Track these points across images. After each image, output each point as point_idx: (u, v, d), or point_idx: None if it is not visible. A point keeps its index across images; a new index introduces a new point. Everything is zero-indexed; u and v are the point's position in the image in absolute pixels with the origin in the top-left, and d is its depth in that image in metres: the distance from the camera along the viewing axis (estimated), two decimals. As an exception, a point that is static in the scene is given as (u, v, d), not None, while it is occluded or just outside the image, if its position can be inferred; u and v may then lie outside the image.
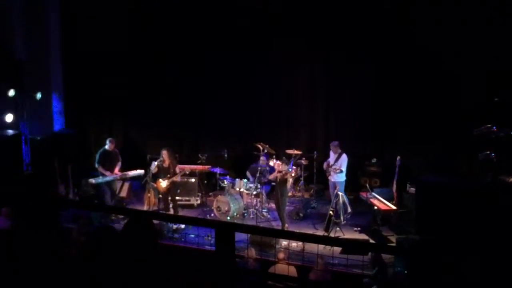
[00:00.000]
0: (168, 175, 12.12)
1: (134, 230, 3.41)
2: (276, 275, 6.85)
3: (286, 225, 11.38)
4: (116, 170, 12.38)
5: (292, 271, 8.10)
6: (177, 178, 12.19)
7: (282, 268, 7.91)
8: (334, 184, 12.04)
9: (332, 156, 12.22)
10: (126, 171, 12.52)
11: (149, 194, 12.54)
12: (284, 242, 10.26)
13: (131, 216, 3.76)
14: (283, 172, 11.24)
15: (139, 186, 13.49)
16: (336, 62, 13.67)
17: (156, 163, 12.08)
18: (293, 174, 11.98)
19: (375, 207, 11.36)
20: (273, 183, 11.96)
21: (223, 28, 14.07)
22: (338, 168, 11.88)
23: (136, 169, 12.75)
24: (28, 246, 3.79)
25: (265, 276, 6.26)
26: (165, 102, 14.87)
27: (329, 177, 12.24)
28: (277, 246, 10.12)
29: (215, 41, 14.19)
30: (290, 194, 12.66)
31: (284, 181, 11.25)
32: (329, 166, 12.13)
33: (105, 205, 11.27)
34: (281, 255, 8.57)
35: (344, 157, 12.04)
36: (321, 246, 8.67)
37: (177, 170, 12.21)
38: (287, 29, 13.69)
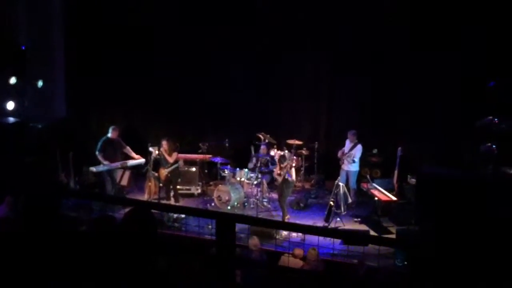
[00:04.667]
0: (168, 165, 12.19)
1: (134, 221, 3.41)
2: (280, 267, 6.88)
3: (288, 216, 11.41)
4: (133, 154, 12.43)
5: (299, 263, 8.16)
6: (173, 167, 12.25)
7: (290, 260, 7.96)
8: (347, 173, 12.12)
9: (348, 145, 12.28)
10: (126, 160, 12.51)
11: (150, 183, 12.57)
12: (285, 233, 10.27)
13: (131, 206, 3.76)
14: (285, 168, 11.22)
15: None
16: (339, 53, 13.63)
17: (154, 151, 12.15)
18: (293, 164, 11.99)
19: (376, 198, 11.38)
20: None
21: (226, 17, 14.02)
22: (352, 158, 11.96)
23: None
24: (31, 236, 3.79)
25: (268, 269, 6.29)
26: (166, 91, 14.85)
27: (342, 165, 12.29)
28: (277, 237, 10.13)
29: (220, 36, 14.16)
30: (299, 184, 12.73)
31: (286, 177, 11.25)
32: (343, 154, 12.18)
33: (104, 195, 11.27)
34: (300, 252, 8.51)
35: (359, 147, 12.11)
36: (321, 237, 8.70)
37: (171, 160, 12.25)
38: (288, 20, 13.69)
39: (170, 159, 12.27)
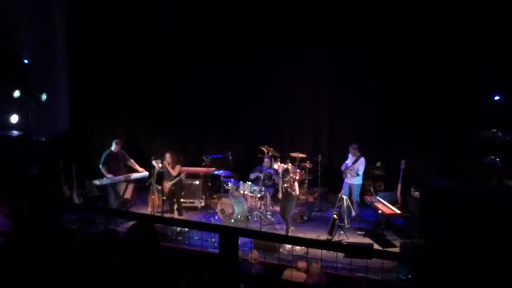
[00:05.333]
0: (172, 177, 12.20)
1: (137, 235, 3.41)
2: (284, 281, 6.83)
3: (292, 228, 11.38)
4: (137, 167, 12.47)
5: (303, 277, 8.10)
6: (176, 180, 12.25)
7: (293, 274, 7.92)
8: (350, 186, 12.13)
9: (351, 158, 12.31)
10: (130, 173, 12.51)
11: (153, 196, 12.55)
12: (288, 246, 10.23)
13: (135, 220, 3.76)
14: (288, 182, 11.20)
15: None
16: (341, 66, 13.66)
17: (157, 164, 12.15)
18: (297, 177, 11.96)
19: (379, 211, 11.35)
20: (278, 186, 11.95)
21: (227, 29, 14.10)
22: (355, 171, 11.97)
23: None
24: (29, 248, 3.79)
25: (270, 282, 6.25)
26: (169, 104, 14.90)
27: (345, 179, 12.29)
28: (281, 250, 10.10)
29: (223, 48, 14.23)
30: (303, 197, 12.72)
31: (289, 190, 11.22)
32: (347, 168, 12.19)
33: (107, 209, 11.28)
34: (303, 265, 8.46)
35: (362, 160, 12.13)
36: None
37: (174, 173, 12.25)
38: (291, 35, 13.73)
39: (173, 172, 12.28)
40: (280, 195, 11.45)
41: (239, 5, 14.04)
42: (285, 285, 5.49)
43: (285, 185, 11.12)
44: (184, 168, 12.79)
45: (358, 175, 12.11)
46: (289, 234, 10.95)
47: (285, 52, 13.83)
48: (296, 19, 13.67)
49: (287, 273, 8.10)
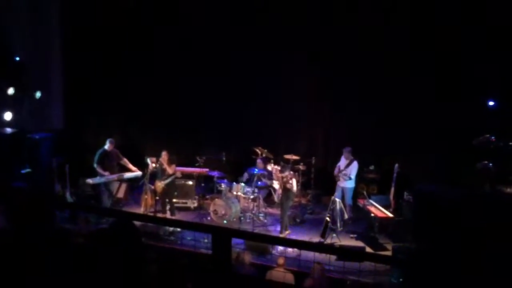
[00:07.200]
0: (165, 177, 12.16)
1: (117, 232, 3.41)
2: (272, 283, 6.82)
3: (288, 231, 11.39)
4: (130, 166, 12.44)
5: (289, 278, 8.06)
6: (169, 179, 12.22)
7: (278, 275, 7.88)
8: (342, 189, 12.12)
9: (343, 162, 12.29)
10: (123, 172, 12.49)
11: (146, 196, 12.52)
12: (280, 248, 10.23)
13: (119, 218, 3.76)
14: (286, 177, 11.22)
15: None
16: (336, 69, 13.66)
17: (151, 163, 12.13)
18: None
19: (372, 214, 11.36)
20: (271, 188, 11.96)
21: (225, 29, 14.11)
22: (348, 175, 11.96)
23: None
24: (22, 247, 3.78)
25: (262, 285, 6.24)
26: (164, 104, 14.89)
27: (338, 182, 12.28)
28: (273, 252, 10.10)
29: (216, 43, 14.23)
30: (296, 199, 12.73)
31: (287, 186, 11.25)
32: (339, 171, 12.18)
33: (99, 208, 11.25)
34: (281, 261, 8.53)
35: (355, 164, 12.12)
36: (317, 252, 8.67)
37: (170, 171, 12.22)
38: (288, 34, 13.73)
39: (170, 170, 12.21)
40: (279, 192, 11.44)
41: (238, 5, 14.04)
42: (273, 286, 5.49)
43: (284, 179, 11.14)
44: (178, 168, 12.77)
45: (350, 179, 12.10)
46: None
47: (280, 53, 13.84)
48: (294, 20, 13.66)
49: (271, 274, 8.09)
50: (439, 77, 12.42)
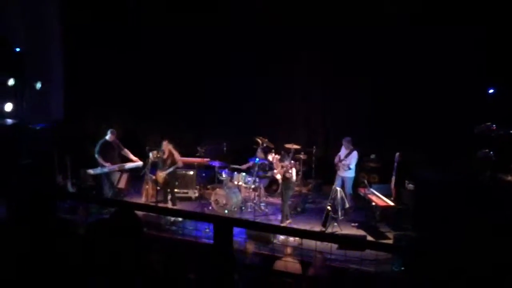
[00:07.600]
0: (166, 167, 12.14)
1: (118, 221, 3.41)
2: (279, 272, 6.84)
3: (289, 220, 11.40)
4: (132, 156, 12.46)
5: (297, 267, 8.09)
6: (170, 169, 12.20)
7: (287, 265, 7.91)
8: (342, 178, 12.10)
9: (343, 151, 12.26)
10: (124, 162, 12.50)
11: (147, 186, 12.54)
12: (282, 237, 10.25)
13: (120, 207, 3.75)
14: (286, 167, 11.23)
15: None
16: (336, 56, 13.62)
17: (153, 153, 12.13)
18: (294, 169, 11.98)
19: (373, 203, 11.37)
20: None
21: (223, 26, 14.05)
22: (347, 165, 11.94)
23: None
24: (23, 238, 3.77)
25: (267, 272, 6.26)
26: (165, 94, 14.86)
27: (338, 171, 12.27)
28: (274, 241, 10.11)
29: (216, 38, 14.21)
30: (297, 189, 12.74)
31: (287, 175, 11.26)
32: (339, 161, 12.17)
33: (99, 198, 11.28)
34: (288, 250, 8.52)
35: (355, 154, 12.08)
36: (318, 241, 8.68)
37: (177, 157, 12.18)
38: (287, 24, 13.69)
39: (176, 156, 12.15)
40: (279, 181, 11.47)
41: (237, 5, 14.00)
42: (279, 276, 5.50)
43: (284, 169, 11.16)
44: (181, 159, 12.77)
45: (350, 168, 12.07)
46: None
47: (281, 43, 13.80)
48: (293, 14, 13.63)
49: (280, 264, 8.11)
50: (439, 65, 12.38)
